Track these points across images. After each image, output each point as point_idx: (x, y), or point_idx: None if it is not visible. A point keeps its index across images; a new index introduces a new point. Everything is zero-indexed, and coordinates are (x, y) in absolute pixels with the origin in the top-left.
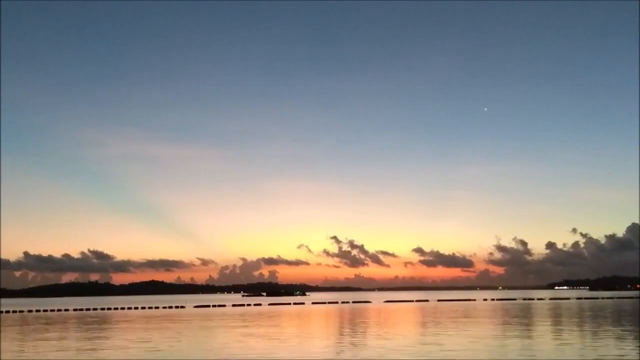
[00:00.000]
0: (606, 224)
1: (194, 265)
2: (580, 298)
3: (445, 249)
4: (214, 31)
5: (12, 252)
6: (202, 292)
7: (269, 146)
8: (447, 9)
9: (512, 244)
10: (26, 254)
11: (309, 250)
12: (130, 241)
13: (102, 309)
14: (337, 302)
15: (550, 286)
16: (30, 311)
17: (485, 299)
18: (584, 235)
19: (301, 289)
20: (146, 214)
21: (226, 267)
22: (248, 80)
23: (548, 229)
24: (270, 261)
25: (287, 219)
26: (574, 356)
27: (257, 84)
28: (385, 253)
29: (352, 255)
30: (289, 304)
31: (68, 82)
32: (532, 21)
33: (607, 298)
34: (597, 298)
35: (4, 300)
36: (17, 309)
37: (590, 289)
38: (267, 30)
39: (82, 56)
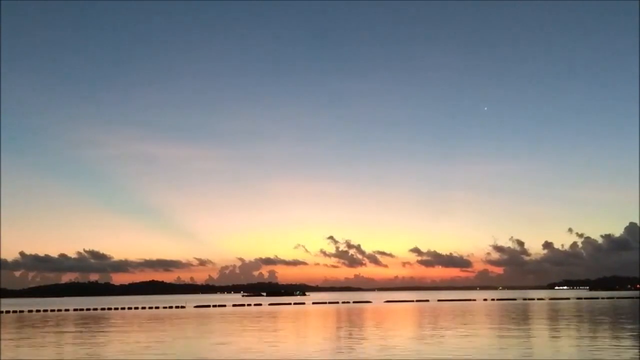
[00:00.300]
0: (603, 224)
1: (191, 265)
2: (580, 298)
3: (442, 249)
4: (214, 31)
5: (9, 252)
6: (202, 292)
7: (267, 146)
8: (447, 9)
9: (508, 244)
10: (22, 254)
11: (306, 251)
12: (127, 241)
13: (103, 309)
14: (337, 302)
15: (550, 286)
16: (30, 311)
17: (485, 299)
18: (580, 235)
19: (301, 289)
20: (143, 214)
21: (226, 267)
22: (247, 81)
23: (544, 229)
24: (268, 261)
25: (285, 219)
26: (576, 356)
27: (256, 84)
28: (382, 253)
29: (349, 255)
30: (289, 304)
31: (67, 82)
32: (532, 21)
33: (607, 298)
34: (597, 298)
35: (3, 301)
36: (17, 309)
37: (590, 289)
38: (267, 31)
39: (82, 56)
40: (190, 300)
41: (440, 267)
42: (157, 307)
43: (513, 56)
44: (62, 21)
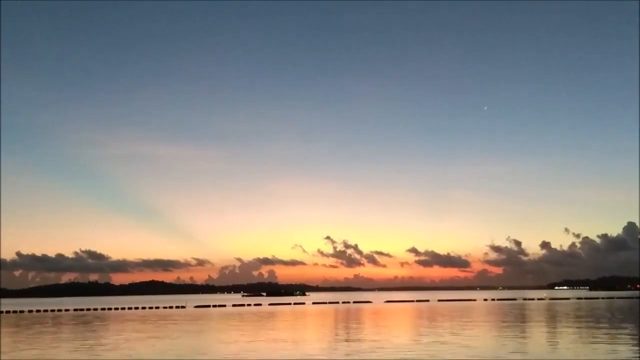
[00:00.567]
0: (599, 224)
1: (190, 265)
2: (581, 298)
3: (440, 249)
4: (214, 31)
5: (6, 252)
6: (202, 292)
7: (265, 147)
8: (447, 9)
9: (505, 244)
10: (19, 253)
11: (304, 251)
12: (124, 241)
13: (103, 309)
14: (337, 302)
15: (551, 286)
16: (30, 311)
17: (485, 299)
18: (576, 235)
19: (301, 289)
20: (140, 214)
21: (226, 267)
22: (246, 81)
23: (541, 229)
24: (266, 261)
25: (282, 219)
26: (576, 356)
27: (255, 84)
28: (380, 253)
29: (347, 255)
30: (289, 304)
31: (67, 82)
32: (532, 21)
33: (608, 298)
34: (597, 298)
35: (3, 301)
36: (17, 308)
37: (590, 289)
38: (267, 31)
39: (82, 56)
40: (191, 300)
41: (438, 267)
42: (157, 307)
43: (513, 56)
44: (62, 21)
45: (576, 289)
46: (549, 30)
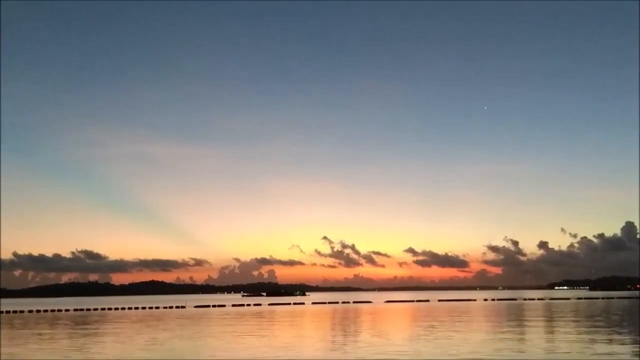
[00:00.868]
0: (595, 224)
1: (188, 265)
2: (581, 298)
3: (437, 249)
4: (214, 31)
5: (3, 252)
6: (202, 292)
7: (263, 146)
8: (447, 9)
9: (503, 244)
10: (15, 253)
11: (301, 251)
12: (122, 241)
13: (103, 309)
14: (337, 302)
15: (551, 286)
16: (30, 311)
17: (485, 299)
18: (573, 235)
19: (301, 289)
20: (138, 213)
21: (225, 267)
22: (246, 81)
23: (538, 229)
24: (264, 261)
25: (280, 219)
26: (577, 356)
27: (254, 84)
28: (377, 253)
29: (344, 255)
30: (289, 304)
31: (67, 82)
32: (532, 21)
33: (607, 298)
34: (597, 298)
35: (3, 301)
36: (17, 308)
37: (590, 289)
38: (267, 31)
39: (82, 56)
40: (190, 300)
41: (436, 267)
42: (157, 307)
43: (513, 56)
44: (62, 21)
45: (576, 289)
46: (549, 29)
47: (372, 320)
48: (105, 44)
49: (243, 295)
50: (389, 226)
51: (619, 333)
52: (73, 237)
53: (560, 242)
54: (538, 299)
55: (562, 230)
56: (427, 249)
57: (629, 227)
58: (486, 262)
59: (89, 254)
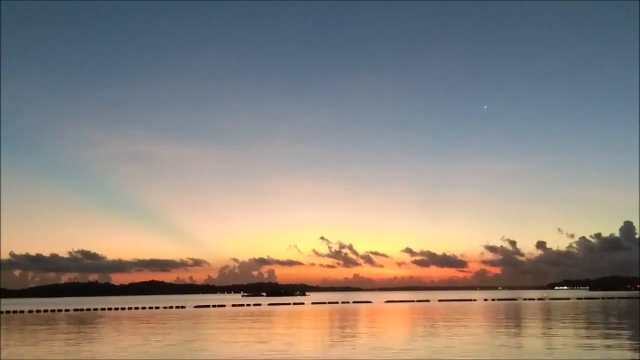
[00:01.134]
0: (592, 224)
1: (186, 265)
2: (580, 298)
3: (435, 249)
4: (214, 31)
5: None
6: (202, 292)
7: (261, 147)
8: (447, 9)
9: (500, 244)
10: (12, 253)
11: (299, 251)
12: (120, 240)
13: (103, 309)
14: (337, 302)
15: (550, 286)
16: (30, 311)
17: (485, 299)
18: (570, 235)
19: (301, 289)
20: (136, 213)
21: (225, 267)
22: (246, 81)
23: (535, 228)
24: (262, 261)
25: (278, 219)
26: (577, 356)
27: (254, 84)
28: (375, 253)
29: (342, 255)
30: (289, 304)
31: (66, 82)
32: (532, 21)
33: (607, 298)
34: (597, 298)
35: (3, 301)
36: (17, 309)
37: (590, 289)
38: (267, 31)
39: (82, 56)
40: (190, 300)
41: (435, 267)
42: (157, 307)
43: (513, 56)
44: (62, 21)
45: (576, 289)
46: (549, 30)
47: (372, 320)
48: (105, 44)
49: (243, 295)
50: (387, 226)
51: (619, 333)
52: (71, 237)
53: (558, 242)
54: (538, 299)
55: (559, 230)
56: (425, 249)
57: (627, 227)
58: (485, 262)
59: (86, 254)
